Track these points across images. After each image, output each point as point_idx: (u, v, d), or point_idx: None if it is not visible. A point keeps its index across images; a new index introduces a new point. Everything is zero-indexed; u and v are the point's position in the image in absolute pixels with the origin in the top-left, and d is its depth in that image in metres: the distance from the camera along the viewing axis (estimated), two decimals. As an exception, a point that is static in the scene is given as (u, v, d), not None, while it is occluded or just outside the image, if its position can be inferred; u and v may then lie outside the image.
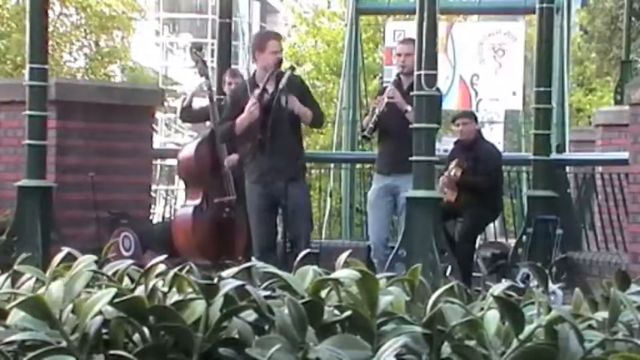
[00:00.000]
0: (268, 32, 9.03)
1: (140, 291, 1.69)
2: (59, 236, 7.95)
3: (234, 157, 8.39)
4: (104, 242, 7.76)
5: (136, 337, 1.64)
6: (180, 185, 13.65)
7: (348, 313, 1.66)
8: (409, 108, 8.14)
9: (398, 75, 8.75)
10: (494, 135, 20.44)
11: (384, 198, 8.55)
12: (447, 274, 7.79)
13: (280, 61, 7.88)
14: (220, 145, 8.28)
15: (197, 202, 8.25)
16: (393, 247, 8.09)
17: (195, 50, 8.65)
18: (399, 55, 8.71)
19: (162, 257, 1.83)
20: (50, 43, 15.31)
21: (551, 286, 7.90)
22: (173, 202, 12.53)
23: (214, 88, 8.90)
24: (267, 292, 1.76)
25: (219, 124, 8.19)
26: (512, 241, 10.41)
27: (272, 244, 7.84)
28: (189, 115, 9.36)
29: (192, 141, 8.71)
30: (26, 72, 8.20)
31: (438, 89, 8.02)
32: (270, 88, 7.85)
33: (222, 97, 8.90)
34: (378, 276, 1.77)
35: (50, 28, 14.88)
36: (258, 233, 7.93)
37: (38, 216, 7.87)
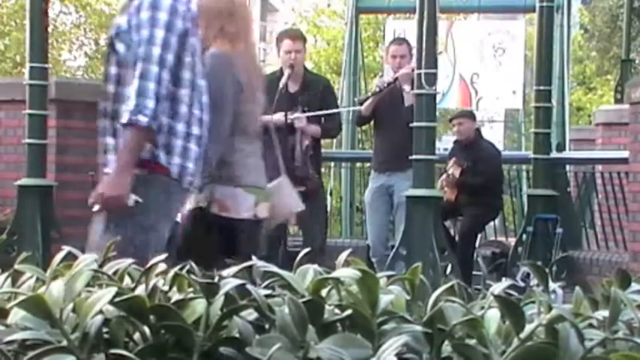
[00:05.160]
0: (286, 30, 9.02)
1: (141, 290, 1.69)
2: (59, 235, 7.95)
3: None
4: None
5: (137, 336, 1.64)
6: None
7: (348, 312, 1.66)
8: (407, 87, 8.18)
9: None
10: (494, 134, 20.45)
11: (380, 198, 8.56)
12: (447, 272, 7.80)
13: (293, 64, 7.85)
14: None
15: None
16: (392, 246, 8.10)
17: None
18: (393, 57, 8.68)
19: (163, 256, 1.83)
20: (50, 41, 15.31)
21: (552, 285, 7.92)
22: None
23: None
24: (268, 291, 1.76)
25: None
26: (512, 240, 10.41)
27: (279, 243, 7.87)
28: None
29: None
30: (26, 71, 8.21)
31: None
32: (293, 88, 7.89)
33: None
34: (378, 275, 1.77)
35: (50, 27, 14.88)
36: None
37: (38, 215, 7.88)
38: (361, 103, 8.78)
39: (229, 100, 4.70)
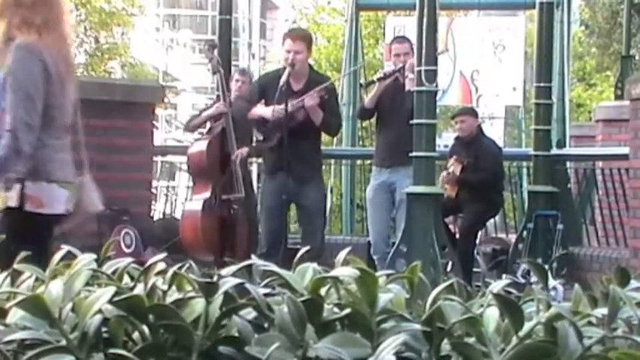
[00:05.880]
0: (291, 30, 9.06)
1: (139, 289, 1.69)
2: (60, 233, 7.95)
3: (244, 150, 8.43)
4: (105, 239, 7.72)
5: (136, 335, 1.64)
6: (181, 182, 13.65)
7: (347, 311, 1.66)
8: (411, 75, 8.19)
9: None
10: (494, 130, 20.47)
11: (382, 195, 8.56)
12: (448, 269, 7.80)
13: (292, 63, 7.85)
14: (231, 143, 8.30)
15: (206, 196, 8.27)
16: (394, 243, 8.10)
17: (208, 48, 8.65)
18: (397, 55, 8.68)
19: (163, 255, 1.83)
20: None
21: (553, 282, 7.92)
22: (174, 199, 12.53)
23: (224, 91, 8.80)
24: (267, 290, 1.76)
25: (237, 98, 8.35)
26: (512, 237, 10.42)
27: (280, 241, 7.87)
28: (194, 127, 9.32)
29: (204, 137, 8.71)
30: (26, 69, 8.19)
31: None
32: (296, 87, 7.90)
33: (229, 93, 8.87)
34: (377, 274, 1.77)
35: (50, 25, 14.85)
36: (267, 228, 7.98)
37: (39, 213, 7.86)
38: (366, 86, 8.76)
39: (40, 90, 4.60)
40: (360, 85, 8.83)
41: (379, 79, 8.52)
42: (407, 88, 8.21)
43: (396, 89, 8.42)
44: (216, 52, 8.55)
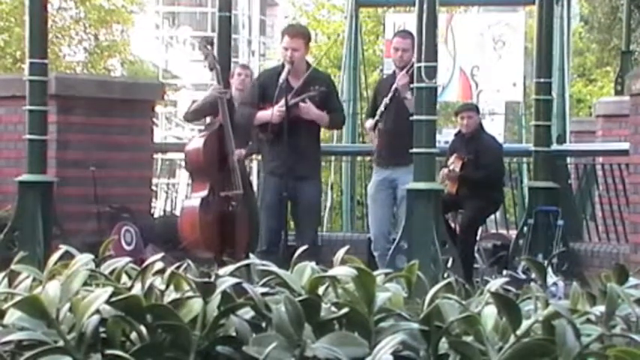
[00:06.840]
0: (289, 26, 8.98)
1: (137, 289, 1.69)
2: (60, 231, 7.95)
3: (242, 151, 8.43)
4: (105, 236, 7.73)
5: (134, 335, 1.64)
6: (181, 179, 13.65)
7: (345, 310, 1.66)
8: (409, 95, 8.14)
9: (393, 71, 8.77)
10: (494, 126, 20.44)
11: (384, 191, 8.55)
12: (449, 266, 7.79)
13: (291, 60, 7.82)
14: (228, 138, 8.29)
15: (204, 194, 8.25)
16: (394, 240, 8.09)
17: (204, 44, 8.64)
18: (396, 49, 8.64)
19: (161, 255, 1.82)
20: (50, 36, 15.29)
21: (554, 278, 7.90)
22: (174, 196, 12.52)
23: (222, 85, 8.77)
24: (265, 289, 1.75)
25: (241, 104, 8.33)
26: (513, 233, 10.41)
27: (280, 238, 7.86)
28: (192, 115, 9.27)
29: (201, 134, 8.70)
30: (26, 67, 8.20)
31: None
32: (295, 84, 7.87)
33: (226, 90, 8.85)
34: (376, 272, 1.77)
35: (49, 22, 14.87)
36: (267, 226, 7.97)
37: (39, 211, 7.87)
38: (376, 125, 8.66)
39: None
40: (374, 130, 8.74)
41: (381, 115, 8.51)
42: (411, 110, 8.03)
43: (395, 95, 8.42)
44: (212, 48, 8.54)
